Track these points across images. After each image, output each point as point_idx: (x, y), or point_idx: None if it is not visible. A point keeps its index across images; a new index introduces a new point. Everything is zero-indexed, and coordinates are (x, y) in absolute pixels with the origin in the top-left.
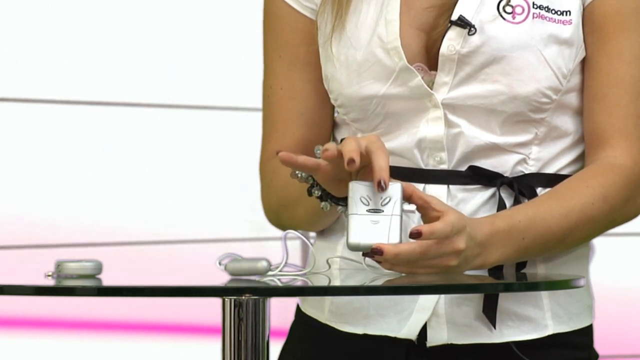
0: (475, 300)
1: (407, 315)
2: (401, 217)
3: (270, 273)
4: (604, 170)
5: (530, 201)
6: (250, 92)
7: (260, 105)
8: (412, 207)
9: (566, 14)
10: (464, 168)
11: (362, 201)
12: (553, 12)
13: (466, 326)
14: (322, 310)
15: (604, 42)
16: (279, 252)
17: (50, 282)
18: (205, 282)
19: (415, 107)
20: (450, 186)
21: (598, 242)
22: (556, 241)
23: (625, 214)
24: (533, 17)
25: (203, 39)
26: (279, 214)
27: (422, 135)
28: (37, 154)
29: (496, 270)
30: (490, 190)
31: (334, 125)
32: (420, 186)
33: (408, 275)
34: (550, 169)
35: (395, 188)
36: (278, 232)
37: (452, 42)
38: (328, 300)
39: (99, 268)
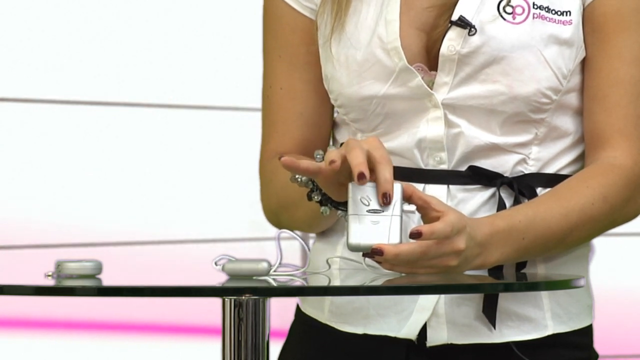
0: (475, 300)
1: (407, 315)
2: (401, 217)
3: (266, 275)
4: (604, 171)
5: (530, 201)
6: (250, 92)
7: (260, 105)
8: (412, 207)
9: (566, 14)
10: (463, 168)
11: (362, 202)
12: (553, 12)
13: (466, 326)
14: (322, 310)
15: (604, 42)
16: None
17: (50, 282)
18: (205, 282)
19: (415, 107)
20: (450, 186)
21: (598, 242)
22: (556, 241)
23: (625, 214)
24: (533, 18)
25: (203, 39)
26: (279, 215)
27: (422, 135)
28: (37, 154)
29: (496, 270)
30: (490, 190)
31: (334, 125)
32: (420, 186)
33: (408, 275)
34: (550, 169)
35: (395, 188)
36: None
37: (452, 42)
38: (328, 300)
39: (99, 268)
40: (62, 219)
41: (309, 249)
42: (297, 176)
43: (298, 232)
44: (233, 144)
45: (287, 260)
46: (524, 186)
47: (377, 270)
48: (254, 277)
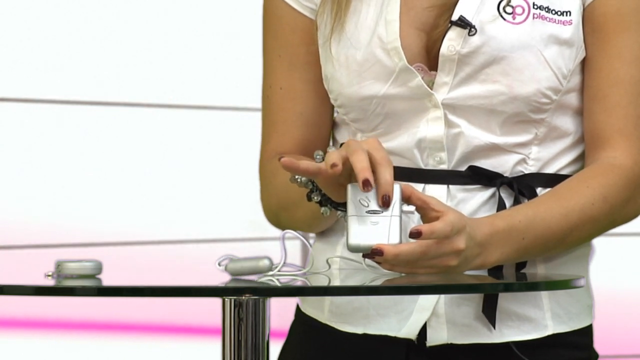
0: (475, 300)
1: (407, 315)
2: (400, 217)
3: (269, 273)
4: (604, 171)
5: (530, 201)
6: (250, 92)
7: (260, 105)
8: (412, 208)
9: (566, 14)
10: (463, 168)
11: (361, 202)
12: (553, 12)
13: (466, 326)
14: (322, 310)
15: (604, 42)
16: (279, 252)
17: (50, 282)
18: (205, 282)
19: (415, 107)
20: (450, 186)
21: (598, 242)
22: (556, 241)
23: (625, 214)
24: (533, 18)
25: (203, 39)
26: (278, 215)
27: (422, 135)
28: (37, 154)
29: (496, 270)
30: (490, 190)
31: (334, 125)
32: (420, 186)
33: (408, 275)
34: (550, 169)
35: (394, 189)
36: (278, 232)
37: (452, 42)
38: (328, 300)
39: (99, 268)
40: (62, 219)
41: (312, 251)
42: (296, 176)
43: (301, 233)
44: (233, 144)
45: (287, 260)
46: (523, 186)
47: (377, 270)
48: (260, 275)
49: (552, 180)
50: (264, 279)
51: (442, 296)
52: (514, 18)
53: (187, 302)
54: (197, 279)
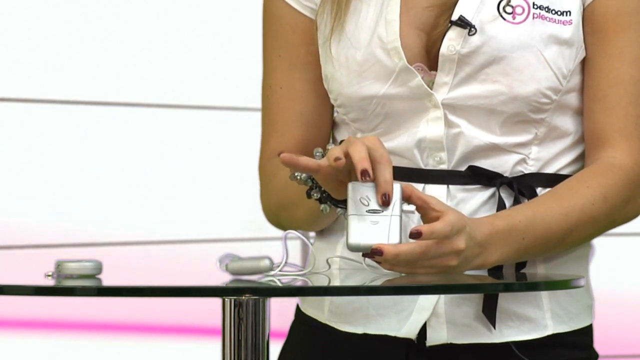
0: (475, 300)
1: (406, 315)
2: (401, 217)
3: (270, 273)
4: (604, 171)
5: (530, 201)
6: (250, 92)
7: (260, 105)
8: (412, 207)
9: (566, 14)
10: (463, 168)
11: (361, 202)
12: (553, 12)
13: (466, 326)
14: (322, 310)
15: (604, 42)
16: (279, 252)
17: (50, 282)
18: (206, 282)
19: (415, 107)
20: (450, 186)
21: (598, 242)
22: (556, 241)
23: (625, 214)
24: (533, 18)
25: (203, 39)
26: (278, 215)
27: (422, 135)
28: (37, 154)
29: (496, 270)
30: (490, 190)
31: (334, 125)
32: (419, 186)
33: (408, 275)
34: (550, 169)
35: (394, 189)
36: (278, 232)
37: (452, 42)
38: (328, 300)
39: (99, 268)
40: (62, 219)
41: (314, 251)
42: (296, 174)
43: (301, 232)
44: (233, 144)
45: (288, 260)
46: (523, 186)
47: (377, 270)
48: (260, 275)
49: (552, 180)
50: (264, 279)
51: (442, 296)
52: (514, 18)
53: (187, 302)
54: (197, 279)
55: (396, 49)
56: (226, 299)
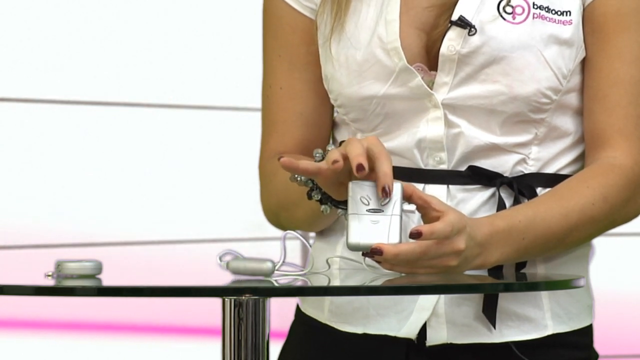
0: (475, 300)
1: (406, 315)
2: (401, 217)
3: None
4: (604, 171)
5: (530, 201)
6: (250, 92)
7: (260, 105)
8: (412, 207)
9: (566, 14)
10: (463, 168)
11: (362, 201)
12: (553, 12)
13: (466, 326)
14: (322, 310)
15: (604, 42)
16: (278, 252)
17: (50, 282)
18: (206, 282)
19: (415, 107)
20: (450, 186)
21: (598, 242)
22: (556, 241)
23: (625, 214)
24: (533, 18)
25: (203, 39)
26: (278, 215)
27: (422, 135)
28: (37, 154)
29: (496, 270)
30: (490, 190)
31: (334, 125)
32: (420, 186)
33: (408, 275)
34: (550, 169)
35: (395, 188)
36: (278, 232)
37: (452, 42)
38: (328, 300)
39: (99, 268)
40: (62, 219)
41: (312, 252)
42: (296, 175)
43: (301, 233)
44: (233, 144)
45: (287, 260)
46: (523, 186)
47: (377, 270)
48: (262, 277)
49: (552, 180)
50: (264, 279)
51: (442, 296)
52: (513, 18)
53: (187, 302)
54: (197, 279)
55: (396, 49)
56: (226, 299)
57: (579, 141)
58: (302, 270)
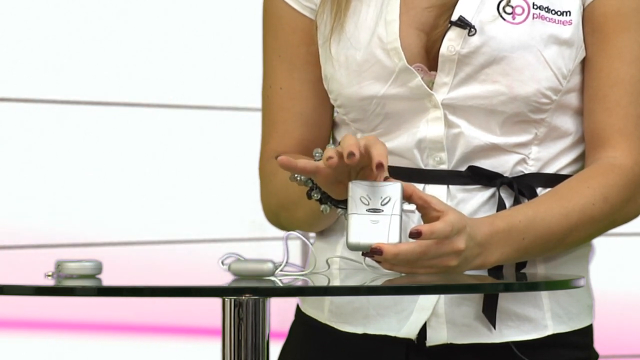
0: (475, 300)
1: (407, 315)
2: (401, 216)
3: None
4: (604, 171)
5: (530, 201)
6: (250, 92)
7: (260, 105)
8: (412, 207)
9: (566, 14)
10: (463, 168)
11: (362, 201)
12: (553, 12)
13: (466, 326)
14: (322, 310)
15: (604, 42)
16: (279, 252)
17: (50, 282)
18: (206, 282)
19: (415, 108)
20: (450, 186)
21: (598, 242)
22: (556, 241)
23: (625, 214)
24: (533, 18)
25: (203, 39)
26: (278, 215)
27: (422, 135)
28: (37, 154)
29: (496, 270)
30: (490, 191)
31: (334, 125)
32: (420, 186)
33: (408, 275)
34: (550, 169)
35: (395, 188)
36: (278, 232)
37: (452, 42)
38: (328, 300)
39: (99, 268)
40: (62, 219)
41: (314, 252)
42: (296, 175)
43: (301, 233)
44: (233, 144)
45: (288, 260)
46: (524, 186)
47: (377, 270)
48: (263, 278)
49: (552, 180)
50: (264, 279)
51: (442, 296)
52: (513, 18)
53: (187, 302)
54: (197, 279)
55: (396, 50)
56: (226, 299)
57: (579, 141)
58: (302, 271)
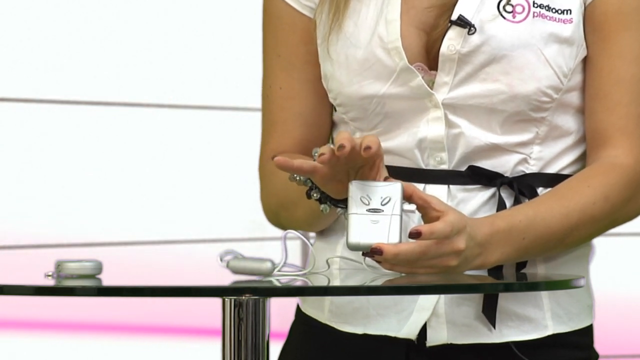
0: (475, 300)
1: (407, 315)
2: (401, 216)
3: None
4: (605, 170)
5: (530, 201)
6: (250, 92)
7: (260, 105)
8: (412, 207)
9: (566, 13)
10: (464, 168)
11: (362, 201)
12: (553, 10)
13: (466, 326)
14: (322, 310)
15: (605, 41)
16: (279, 252)
17: (50, 282)
18: (206, 282)
19: (416, 107)
20: (451, 186)
21: (598, 242)
22: (557, 241)
23: (626, 213)
24: (533, 16)
25: (203, 39)
26: (278, 215)
27: (422, 135)
28: (37, 154)
29: (496, 270)
30: (491, 190)
31: (333, 124)
32: (420, 186)
33: (408, 275)
34: (552, 169)
35: (395, 188)
36: (278, 232)
37: (452, 41)
38: (328, 300)
39: (99, 268)
40: (62, 219)
41: (313, 251)
42: (295, 175)
43: (301, 232)
44: (233, 144)
45: (288, 260)
46: (524, 186)
47: (377, 270)
48: (260, 277)
49: (553, 180)
50: (264, 279)
51: (442, 296)
52: (514, 17)
53: (187, 302)
54: (197, 279)
55: (397, 49)
56: (226, 299)
57: (581, 140)
58: (302, 271)
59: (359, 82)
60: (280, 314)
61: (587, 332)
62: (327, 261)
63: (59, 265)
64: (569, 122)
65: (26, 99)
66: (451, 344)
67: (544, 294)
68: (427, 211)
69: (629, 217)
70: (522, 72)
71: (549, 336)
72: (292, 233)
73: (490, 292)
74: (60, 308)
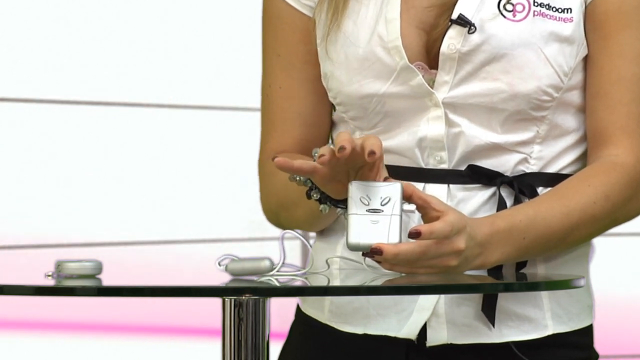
0: (475, 300)
1: (407, 315)
2: (401, 217)
3: (269, 273)
4: (606, 169)
5: (531, 200)
6: (250, 92)
7: (260, 105)
8: (412, 207)
9: (567, 12)
10: (464, 167)
11: (361, 201)
12: (554, 9)
13: (466, 326)
14: (322, 310)
15: (606, 40)
16: (278, 251)
17: (50, 282)
18: (206, 282)
19: (416, 106)
20: (451, 186)
21: (598, 242)
22: (557, 240)
23: (627, 212)
24: (534, 15)
25: (203, 39)
26: (278, 215)
27: (422, 134)
28: (37, 154)
29: (496, 270)
30: (491, 190)
31: (332, 124)
32: (420, 185)
33: (408, 275)
34: (552, 168)
35: (395, 188)
36: (278, 232)
37: (452, 40)
38: (328, 300)
39: (99, 268)
40: (62, 219)
41: (312, 252)
42: (295, 175)
43: (301, 232)
44: (233, 144)
45: (287, 260)
46: (524, 185)
47: (377, 270)
48: (259, 276)
49: (553, 179)
50: (264, 279)
51: (442, 296)
52: (514, 15)
53: (187, 302)
54: (197, 279)
55: (397, 48)
56: (226, 299)
57: (582, 140)
58: (302, 271)
59: (358, 81)
60: (280, 314)
61: (587, 332)
62: (327, 261)
63: (59, 265)
64: (569, 121)
65: (26, 99)
66: (451, 344)
67: (544, 294)
68: (427, 211)
69: (630, 216)
70: (522, 71)
71: (549, 336)
72: (290, 233)
73: (490, 292)
74: (60, 308)
